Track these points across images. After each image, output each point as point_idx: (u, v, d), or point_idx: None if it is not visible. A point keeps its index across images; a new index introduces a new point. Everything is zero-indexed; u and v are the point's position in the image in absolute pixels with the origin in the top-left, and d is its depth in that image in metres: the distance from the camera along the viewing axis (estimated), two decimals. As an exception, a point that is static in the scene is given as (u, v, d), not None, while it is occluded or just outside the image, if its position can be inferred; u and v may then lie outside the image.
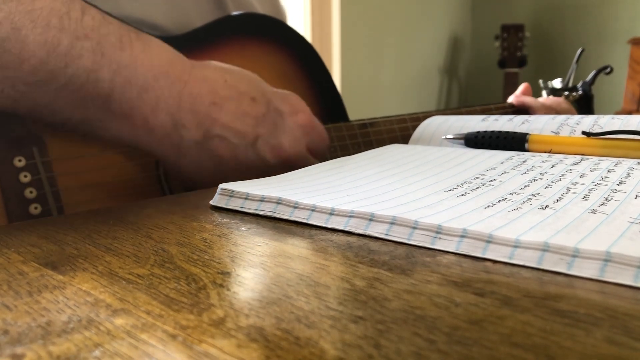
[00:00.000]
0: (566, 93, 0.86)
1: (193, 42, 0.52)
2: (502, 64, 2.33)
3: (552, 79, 0.91)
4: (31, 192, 0.39)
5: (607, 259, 0.18)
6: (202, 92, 0.41)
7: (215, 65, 0.44)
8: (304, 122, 0.46)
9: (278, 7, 0.68)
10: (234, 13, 0.56)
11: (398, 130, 0.62)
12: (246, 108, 0.42)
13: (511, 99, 0.83)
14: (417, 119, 0.64)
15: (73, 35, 0.35)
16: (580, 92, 0.87)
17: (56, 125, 0.39)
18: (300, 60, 0.59)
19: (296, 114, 0.45)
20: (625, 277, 0.17)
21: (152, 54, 0.39)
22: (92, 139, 0.42)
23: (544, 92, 0.88)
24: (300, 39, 0.60)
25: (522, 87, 0.83)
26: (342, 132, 0.57)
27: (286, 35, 0.59)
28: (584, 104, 0.86)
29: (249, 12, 0.58)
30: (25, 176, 0.39)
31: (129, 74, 0.38)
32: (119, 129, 0.39)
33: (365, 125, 0.59)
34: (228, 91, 0.42)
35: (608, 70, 0.90)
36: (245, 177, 0.43)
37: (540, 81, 0.92)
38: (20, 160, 0.39)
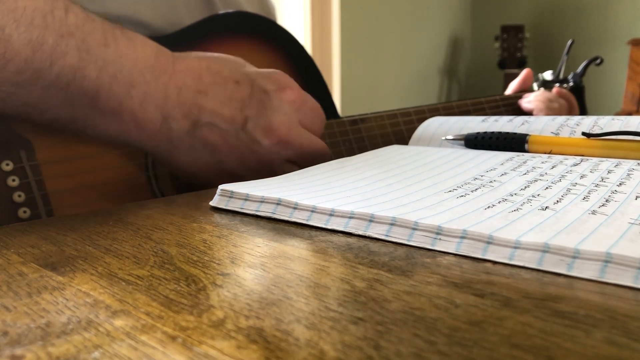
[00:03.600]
0: (557, 84, 0.86)
1: (181, 42, 0.51)
2: (502, 64, 2.33)
3: (550, 78, 0.91)
4: (19, 195, 0.39)
5: (608, 260, 0.18)
6: (187, 82, 0.41)
7: (196, 54, 0.44)
8: (292, 98, 0.44)
9: (266, 5, 0.68)
10: (222, 12, 0.56)
11: (389, 126, 0.61)
12: (231, 92, 0.42)
13: (508, 91, 0.83)
14: (408, 114, 0.63)
15: (57, 33, 0.35)
16: (571, 84, 0.87)
17: (45, 125, 0.39)
18: (290, 59, 0.59)
19: (283, 90, 0.44)
20: (626, 278, 0.17)
21: (136, 49, 0.39)
22: (82, 139, 0.41)
23: (535, 85, 0.88)
24: (289, 37, 0.59)
25: (523, 73, 0.84)
26: (333, 129, 0.57)
27: (275, 33, 0.58)
28: (576, 96, 0.86)
29: (237, 11, 0.57)
30: (14, 180, 0.39)
31: (115, 70, 0.37)
32: (107, 126, 0.39)
33: (356, 121, 0.59)
34: (211, 77, 0.42)
35: (598, 61, 0.90)
36: (245, 164, 0.43)
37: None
38: (7, 164, 0.39)
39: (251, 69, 0.45)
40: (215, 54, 0.44)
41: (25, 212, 0.39)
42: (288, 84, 0.45)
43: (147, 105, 0.39)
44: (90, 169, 0.43)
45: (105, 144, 0.42)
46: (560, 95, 0.81)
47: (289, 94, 0.44)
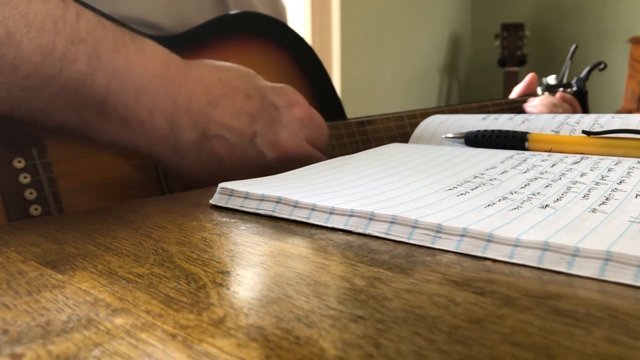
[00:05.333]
0: (561, 89, 0.86)
1: (191, 41, 0.51)
2: (502, 62, 2.33)
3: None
4: (31, 193, 0.39)
5: (608, 258, 0.18)
6: (197, 92, 0.41)
7: (208, 63, 0.43)
8: (300, 115, 0.45)
9: (277, 5, 0.68)
10: (233, 12, 0.56)
11: (395, 128, 0.62)
12: (241, 105, 0.42)
13: (513, 95, 0.84)
14: (415, 116, 0.64)
15: (68, 39, 0.34)
16: (574, 88, 0.87)
17: (53, 129, 0.39)
18: (299, 60, 0.59)
19: (292, 106, 0.45)
20: (626, 277, 0.17)
21: (146, 57, 0.39)
22: (90, 142, 0.42)
23: (538, 89, 0.88)
24: (299, 39, 0.60)
25: (528, 77, 0.84)
26: (340, 131, 0.57)
27: (285, 35, 0.59)
28: (579, 100, 0.86)
29: (247, 11, 0.58)
30: (25, 177, 0.39)
31: (125, 78, 0.37)
32: (115, 132, 0.39)
33: (362, 123, 0.59)
34: (222, 89, 0.42)
35: (602, 66, 0.91)
36: (247, 173, 0.43)
37: None
38: (19, 162, 0.39)
39: (262, 82, 0.45)
40: (227, 64, 0.44)
41: (36, 209, 0.39)
42: (298, 101, 0.46)
43: (155, 113, 0.39)
44: (101, 167, 0.43)
45: (114, 145, 0.42)
46: (563, 99, 0.81)
47: (298, 111, 0.45)
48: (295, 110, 0.45)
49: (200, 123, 0.41)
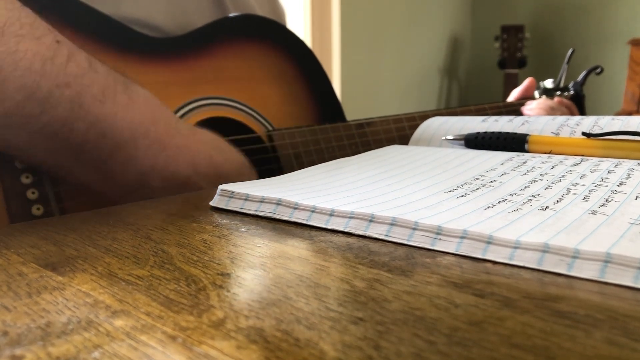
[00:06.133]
0: (558, 93, 0.87)
1: (191, 43, 0.52)
2: (502, 64, 2.33)
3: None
4: (33, 193, 0.39)
5: (607, 260, 0.18)
6: (180, 162, 0.40)
7: (206, 135, 0.43)
8: None
9: (276, 8, 0.68)
10: (232, 14, 0.57)
11: (395, 130, 0.62)
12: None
13: (511, 98, 0.85)
14: (414, 118, 0.64)
15: (54, 82, 0.34)
16: (571, 92, 0.88)
17: (32, 166, 0.39)
18: (298, 63, 0.59)
19: None
20: (626, 278, 0.17)
21: (134, 110, 0.38)
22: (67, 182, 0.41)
23: (536, 93, 0.89)
24: (298, 41, 0.60)
25: (526, 82, 0.85)
26: (340, 132, 0.57)
27: (284, 37, 0.59)
28: (576, 104, 0.87)
29: (247, 14, 0.58)
30: (27, 177, 0.39)
31: (105, 129, 0.37)
32: (87, 178, 0.39)
33: (362, 125, 0.60)
34: (208, 170, 0.41)
35: (598, 70, 0.91)
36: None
37: None
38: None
39: (253, 176, 0.44)
40: (227, 145, 0.43)
41: (38, 209, 0.39)
42: None
43: (129, 169, 0.39)
44: None
45: (85, 188, 0.42)
46: (561, 103, 0.82)
47: None
48: None
49: (173, 185, 0.40)
